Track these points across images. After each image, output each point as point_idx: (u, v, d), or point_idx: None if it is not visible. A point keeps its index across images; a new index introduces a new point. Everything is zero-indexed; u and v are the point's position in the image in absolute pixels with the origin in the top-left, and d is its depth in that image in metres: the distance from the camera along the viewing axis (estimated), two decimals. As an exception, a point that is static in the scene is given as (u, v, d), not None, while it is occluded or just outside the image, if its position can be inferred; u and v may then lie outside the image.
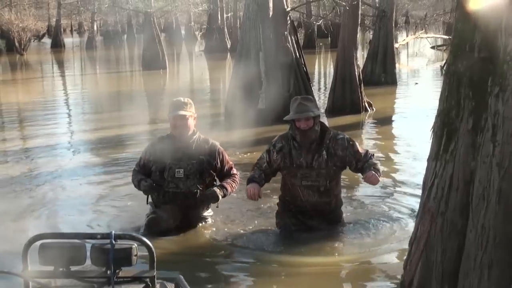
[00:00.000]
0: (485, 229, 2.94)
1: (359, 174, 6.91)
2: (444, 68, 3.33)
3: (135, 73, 31.03)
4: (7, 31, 45.74)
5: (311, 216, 6.85)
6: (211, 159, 6.79)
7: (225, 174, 6.93)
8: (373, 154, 6.87)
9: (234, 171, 7.02)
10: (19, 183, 9.73)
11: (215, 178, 6.98)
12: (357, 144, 6.72)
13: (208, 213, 7.18)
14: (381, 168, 6.91)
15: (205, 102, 19.80)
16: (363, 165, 6.60)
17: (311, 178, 6.65)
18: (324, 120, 14.12)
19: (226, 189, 6.81)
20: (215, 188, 6.76)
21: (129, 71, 32.69)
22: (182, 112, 6.54)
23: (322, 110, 15.40)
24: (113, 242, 3.71)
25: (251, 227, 7.23)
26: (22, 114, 18.27)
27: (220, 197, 6.75)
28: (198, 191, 6.77)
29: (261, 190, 6.70)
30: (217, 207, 7.11)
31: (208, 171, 6.79)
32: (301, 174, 6.66)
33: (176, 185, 6.74)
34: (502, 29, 2.92)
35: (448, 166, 3.08)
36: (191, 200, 6.81)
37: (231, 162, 7.02)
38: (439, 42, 38.78)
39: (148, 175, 6.77)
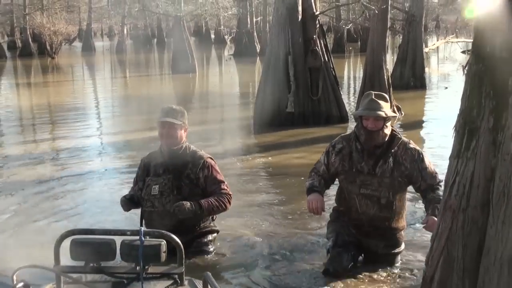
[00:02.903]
0: (505, 225, 2.98)
1: None
2: (466, 68, 3.35)
3: (165, 76, 31.19)
4: (38, 35, 46.26)
5: (367, 233, 5.89)
6: (191, 174, 5.78)
7: (211, 192, 5.83)
8: (442, 181, 5.27)
9: (225, 189, 5.87)
10: (50, 182, 9.91)
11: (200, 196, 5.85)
12: (427, 160, 5.81)
13: (210, 237, 6.23)
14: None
15: (234, 105, 19.90)
16: (428, 193, 5.76)
17: (371, 186, 5.75)
18: (352, 123, 14.12)
19: (200, 206, 5.70)
20: (185, 202, 5.65)
21: (158, 75, 32.86)
22: (170, 120, 5.70)
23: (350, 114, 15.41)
24: (143, 238, 3.78)
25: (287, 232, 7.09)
26: (53, 116, 18.49)
27: (188, 211, 5.63)
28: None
29: (324, 203, 5.87)
30: (214, 219, 6.24)
31: (188, 187, 5.77)
32: (361, 180, 5.77)
33: (152, 203, 5.83)
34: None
35: (469, 163, 3.11)
36: (166, 221, 5.70)
37: (221, 178, 5.90)
38: (470, 47, 38.34)
39: None
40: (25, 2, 49.92)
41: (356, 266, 5.84)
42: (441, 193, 5.42)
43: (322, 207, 5.78)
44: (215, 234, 6.29)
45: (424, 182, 5.72)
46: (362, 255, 6.00)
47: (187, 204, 5.62)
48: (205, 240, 6.15)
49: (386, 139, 5.70)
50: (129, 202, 5.97)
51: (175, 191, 5.75)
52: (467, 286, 3.02)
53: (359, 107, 5.90)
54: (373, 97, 5.68)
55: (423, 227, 5.72)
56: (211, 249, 6.19)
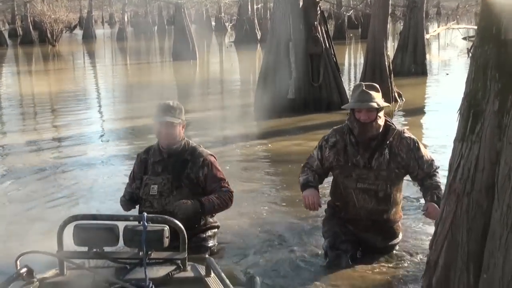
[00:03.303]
0: (510, 208, 2.98)
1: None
2: (471, 51, 3.34)
3: (165, 63, 31.19)
4: (39, 23, 46.42)
5: (365, 228, 5.82)
6: (191, 173, 5.53)
7: (212, 191, 5.61)
8: (439, 167, 5.83)
9: (226, 187, 5.65)
10: (52, 169, 9.96)
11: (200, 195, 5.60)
12: (422, 148, 5.75)
13: (210, 233, 5.95)
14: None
15: (235, 92, 19.96)
16: (425, 180, 5.71)
17: (368, 180, 5.66)
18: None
19: (202, 205, 5.49)
20: (186, 200, 5.45)
21: (159, 62, 32.85)
22: (169, 119, 5.37)
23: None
24: (145, 224, 3.78)
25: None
26: (54, 103, 18.53)
27: (189, 210, 5.42)
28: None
29: (320, 198, 5.82)
30: (213, 216, 5.94)
31: (188, 187, 5.51)
32: (357, 175, 5.67)
33: (151, 203, 5.56)
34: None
35: (474, 147, 3.10)
36: None
37: (221, 176, 5.65)
38: (471, 33, 38.30)
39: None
40: (25, -11, 49.82)
41: (355, 259, 5.78)
42: (438, 179, 5.64)
43: (319, 202, 5.73)
44: (215, 230, 6.04)
45: (421, 170, 5.65)
46: (360, 249, 5.92)
47: (188, 202, 5.42)
48: (205, 235, 5.88)
49: (380, 130, 5.59)
50: (129, 203, 5.74)
51: (174, 191, 5.49)
52: (472, 270, 3.02)
53: (350, 99, 5.83)
54: (364, 88, 5.56)
55: (423, 214, 5.68)
56: (211, 244, 5.93)
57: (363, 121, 5.51)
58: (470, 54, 3.78)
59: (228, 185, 5.73)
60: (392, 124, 5.76)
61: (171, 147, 5.52)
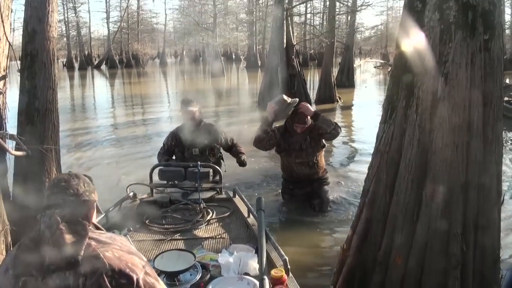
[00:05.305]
0: (410, 161, 2.98)
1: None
2: (390, 72, 3.31)
3: (207, 78, 31.14)
4: (136, 55, 47.02)
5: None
6: (217, 138, 4.95)
7: (230, 146, 5.08)
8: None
9: (235, 141, 5.14)
10: (144, 138, 9.83)
11: (221, 152, 5.10)
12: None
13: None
14: (346, 135, 5.76)
15: (245, 94, 19.96)
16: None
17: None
18: (313, 107, 14.08)
19: (244, 154, 5.00)
20: (240, 155, 5.03)
21: (202, 78, 32.72)
22: (191, 108, 4.86)
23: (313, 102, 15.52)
24: (199, 168, 3.81)
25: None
26: (144, 101, 18.38)
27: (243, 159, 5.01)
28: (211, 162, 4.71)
29: None
30: (225, 171, 4.98)
31: (215, 147, 4.96)
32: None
33: (195, 160, 4.75)
34: (419, 54, 2.96)
35: (391, 126, 3.08)
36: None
37: (231, 137, 5.13)
38: (379, 64, 38.39)
39: (171, 156, 5.00)
40: (128, 36, 50.05)
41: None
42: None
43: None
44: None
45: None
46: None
47: (242, 156, 4.98)
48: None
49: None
50: (165, 155, 4.95)
51: (208, 151, 4.88)
52: (387, 194, 3.03)
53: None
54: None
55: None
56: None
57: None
58: (389, 74, 3.74)
59: (238, 143, 5.17)
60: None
61: (194, 125, 4.88)
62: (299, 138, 5.08)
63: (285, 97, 5.03)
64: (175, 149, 4.93)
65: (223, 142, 5.00)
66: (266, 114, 5.02)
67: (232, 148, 5.08)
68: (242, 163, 4.97)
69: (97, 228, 1.73)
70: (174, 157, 4.97)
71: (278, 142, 5.11)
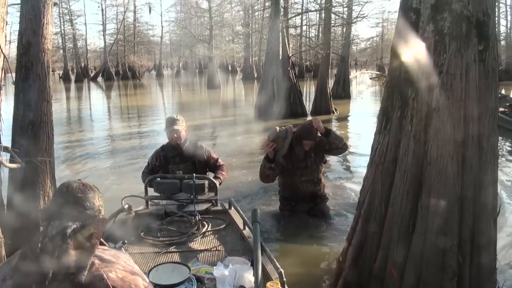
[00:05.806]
0: (406, 172, 2.97)
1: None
2: (385, 83, 3.32)
3: (203, 90, 31.14)
4: (132, 67, 46.89)
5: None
6: (200, 158, 4.59)
7: (214, 166, 4.69)
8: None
9: (221, 162, 4.76)
10: (136, 150, 9.83)
11: (207, 171, 4.75)
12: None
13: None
14: (347, 142, 5.23)
15: (242, 106, 19.91)
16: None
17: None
18: (309, 117, 14.18)
19: (220, 178, 4.48)
20: (218, 175, 4.57)
21: (199, 89, 32.74)
22: (175, 127, 4.54)
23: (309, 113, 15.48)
24: (194, 180, 3.79)
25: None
26: (140, 113, 18.36)
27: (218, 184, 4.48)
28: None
29: None
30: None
31: (199, 167, 4.61)
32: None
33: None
34: (414, 65, 2.97)
35: (386, 137, 3.08)
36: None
37: (216, 156, 4.75)
38: (374, 75, 38.62)
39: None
40: (125, 48, 50.02)
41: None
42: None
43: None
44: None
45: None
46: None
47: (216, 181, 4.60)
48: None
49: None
50: (149, 174, 4.64)
51: (193, 172, 4.34)
52: (383, 205, 3.02)
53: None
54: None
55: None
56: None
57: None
58: (384, 85, 3.72)
59: (221, 161, 4.78)
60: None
61: (179, 145, 4.56)
62: (303, 155, 5.02)
63: (278, 129, 4.95)
64: (159, 170, 4.56)
65: (205, 159, 4.62)
66: (266, 151, 4.95)
67: (215, 169, 4.68)
68: (214, 179, 4.21)
69: (101, 243, 1.68)
70: None
71: (282, 166, 5.06)
